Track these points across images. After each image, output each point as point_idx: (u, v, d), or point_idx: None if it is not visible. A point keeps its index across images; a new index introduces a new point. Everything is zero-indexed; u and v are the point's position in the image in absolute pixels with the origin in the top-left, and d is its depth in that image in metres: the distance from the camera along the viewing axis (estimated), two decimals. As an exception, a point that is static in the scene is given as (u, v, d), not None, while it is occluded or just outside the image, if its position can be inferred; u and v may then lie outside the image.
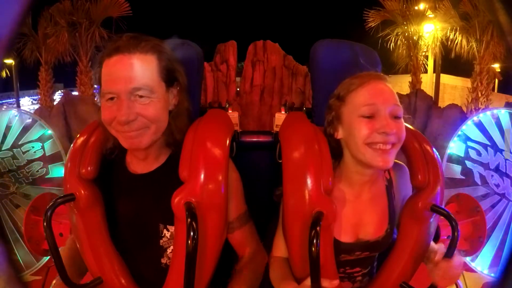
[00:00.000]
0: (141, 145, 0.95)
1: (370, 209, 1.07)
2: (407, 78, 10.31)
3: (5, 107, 3.95)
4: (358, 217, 1.06)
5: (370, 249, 1.08)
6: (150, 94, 0.93)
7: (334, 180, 1.02)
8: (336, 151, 1.05)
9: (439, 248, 0.95)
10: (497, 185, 3.27)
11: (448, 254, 0.92)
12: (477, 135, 3.45)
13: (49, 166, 3.40)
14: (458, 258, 0.93)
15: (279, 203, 1.08)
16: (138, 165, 1.05)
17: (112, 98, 0.92)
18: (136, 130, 0.93)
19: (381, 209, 1.08)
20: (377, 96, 0.96)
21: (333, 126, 1.03)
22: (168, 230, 1.01)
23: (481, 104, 8.88)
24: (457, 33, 9.22)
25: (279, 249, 1.10)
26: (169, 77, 0.99)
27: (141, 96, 0.92)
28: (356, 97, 0.98)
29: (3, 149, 3.28)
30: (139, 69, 0.92)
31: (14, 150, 3.30)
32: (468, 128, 3.53)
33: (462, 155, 3.56)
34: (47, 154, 3.40)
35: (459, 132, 3.58)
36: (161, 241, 1.02)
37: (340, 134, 1.02)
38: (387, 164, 0.95)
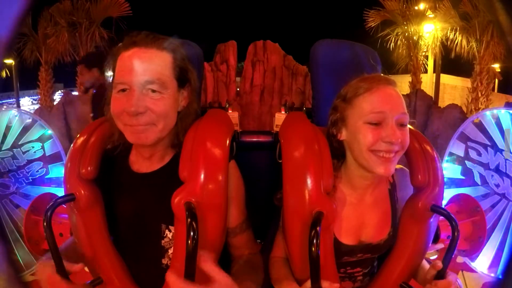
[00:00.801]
0: (147, 141, 0.95)
1: (373, 212, 1.07)
2: (407, 78, 10.32)
3: (5, 107, 3.95)
4: (360, 219, 1.06)
5: (372, 251, 1.08)
6: (162, 90, 0.94)
7: (336, 182, 1.02)
8: (339, 152, 1.05)
9: (431, 266, 0.94)
10: (497, 185, 3.27)
11: (440, 275, 0.91)
12: (477, 135, 3.44)
13: (49, 166, 3.41)
14: (451, 276, 0.92)
15: (280, 206, 1.08)
16: (142, 164, 1.05)
17: (124, 90, 0.93)
18: (143, 125, 0.93)
19: (384, 212, 1.08)
20: (385, 103, 0.94)
21: (337, 127, 1.02)
22: (170, 231, 1.00)
23: (481, 104, 8.88)
24: (457, 33, 9.22)
25: (279, 249, 1.10)
26: (182, 77, 1.00)
27: (153, 91, 0.93)
28: (364, 102, 0.96)
29: (3, 149, 3.27)
30: (154, 63, 0.93)
31: (14, 150, 3.30)
32: (468, 128, 3.53)
33: (462, 155, 3.56)
34: (47, 154, 3.40)
35: (459, 132, 3.58)
36: (163, 241, 1.01)
37: (343, 135, 1.02)
38: (388, 172, 0.96)
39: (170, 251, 1.01)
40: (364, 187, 1.05)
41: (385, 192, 1.09)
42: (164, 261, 1.02)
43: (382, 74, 1.03)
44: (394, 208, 1.09)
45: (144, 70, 0.92)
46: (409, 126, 1.04)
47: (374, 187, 1.06)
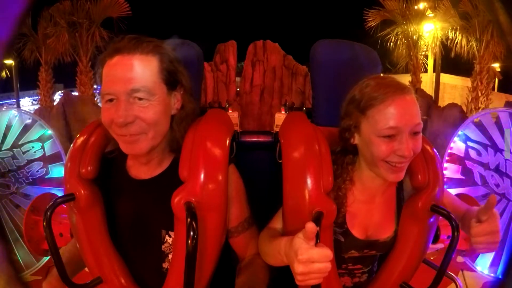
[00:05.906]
0: (141, 151, 0.94)
1: (381, 210, 1.08)
2: (407, 78, 10.31)
3: (5, 107, 3.95)
4: (369, 215, 1.07)
5: (378, 248, 1.10)
6: (150, 97, 0.91)
7: (353, 175, 1.05)
8: (352, 153, 1.06)
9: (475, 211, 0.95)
10: (497, 185, 3.27)
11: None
12: (477, 135, 3.44)
13: (49, 166, 3.40)
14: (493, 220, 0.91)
15: (279, 203, 1.08)
16: (140, 169, 1.04)
17: (111, 100, 0.91)
18: (134, 135, 0.91)
19: (391, 210, 1.10)
20: (400, 118, 0.93)
21: (350, 132, 1.02)
22: (170, 236, 1.00)
23: (481, 103, 8.88)
24: (457, 32, 9.22)
25: (274, 223, 1.09)
26: (171, 80, 0.96)
27: (140, 99, 0.90)
28: (378, 115, 0.94)
29: (3, 149, 3.28)
30: (138, 70, 0.90)
31: (14, 150, 3.30)
32: (468, 128, 3.53)
33: (462, 155, 3.56)
34: (47, 154, 3.40)
35: (459, 132, 3.58)
36: (163, 246, 1.01)
37: (356, 140, 1.03)
38: (398, 179, 0.99)
39: (171, 255, 1.01)
40: (375, 187, 1.06)
41: (393, 192, 1.11)
42: (165, 265, 1.02)
43: (397, 80, 1.01)
44: (399, 207, 1.10)
45: (129, 79, 0.89)
46: None
47: (385, 188, 1.07)
